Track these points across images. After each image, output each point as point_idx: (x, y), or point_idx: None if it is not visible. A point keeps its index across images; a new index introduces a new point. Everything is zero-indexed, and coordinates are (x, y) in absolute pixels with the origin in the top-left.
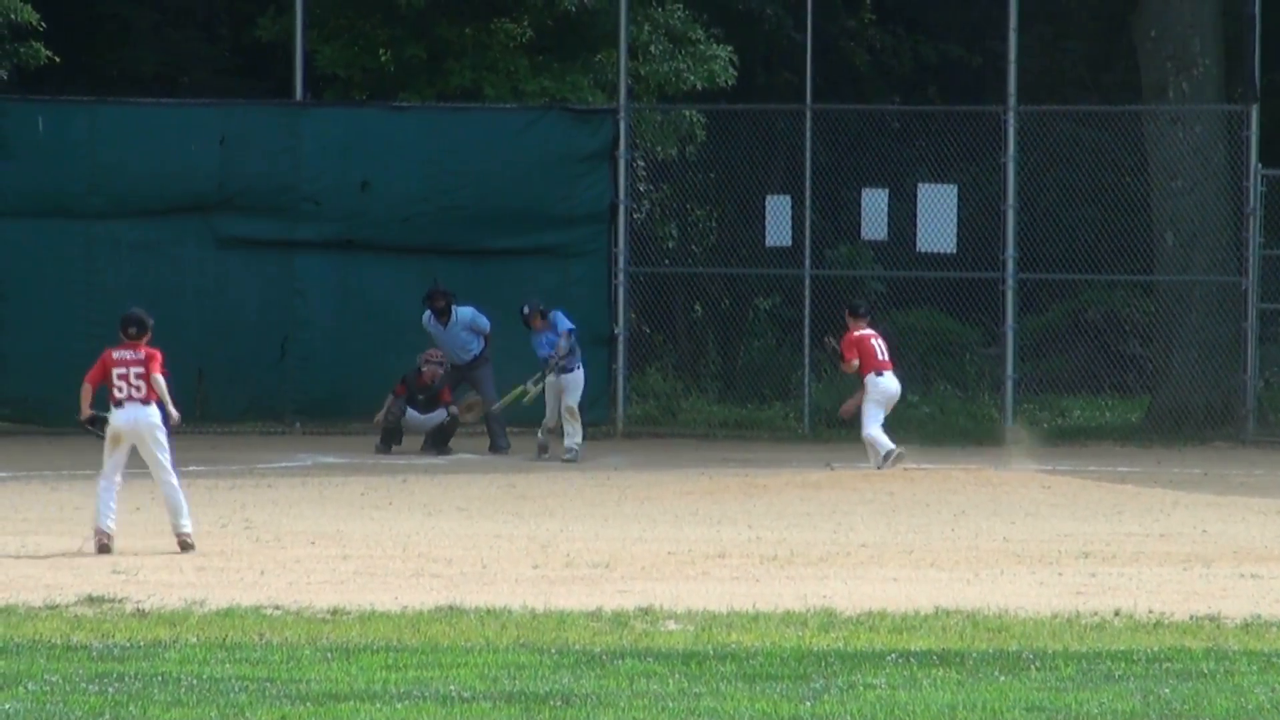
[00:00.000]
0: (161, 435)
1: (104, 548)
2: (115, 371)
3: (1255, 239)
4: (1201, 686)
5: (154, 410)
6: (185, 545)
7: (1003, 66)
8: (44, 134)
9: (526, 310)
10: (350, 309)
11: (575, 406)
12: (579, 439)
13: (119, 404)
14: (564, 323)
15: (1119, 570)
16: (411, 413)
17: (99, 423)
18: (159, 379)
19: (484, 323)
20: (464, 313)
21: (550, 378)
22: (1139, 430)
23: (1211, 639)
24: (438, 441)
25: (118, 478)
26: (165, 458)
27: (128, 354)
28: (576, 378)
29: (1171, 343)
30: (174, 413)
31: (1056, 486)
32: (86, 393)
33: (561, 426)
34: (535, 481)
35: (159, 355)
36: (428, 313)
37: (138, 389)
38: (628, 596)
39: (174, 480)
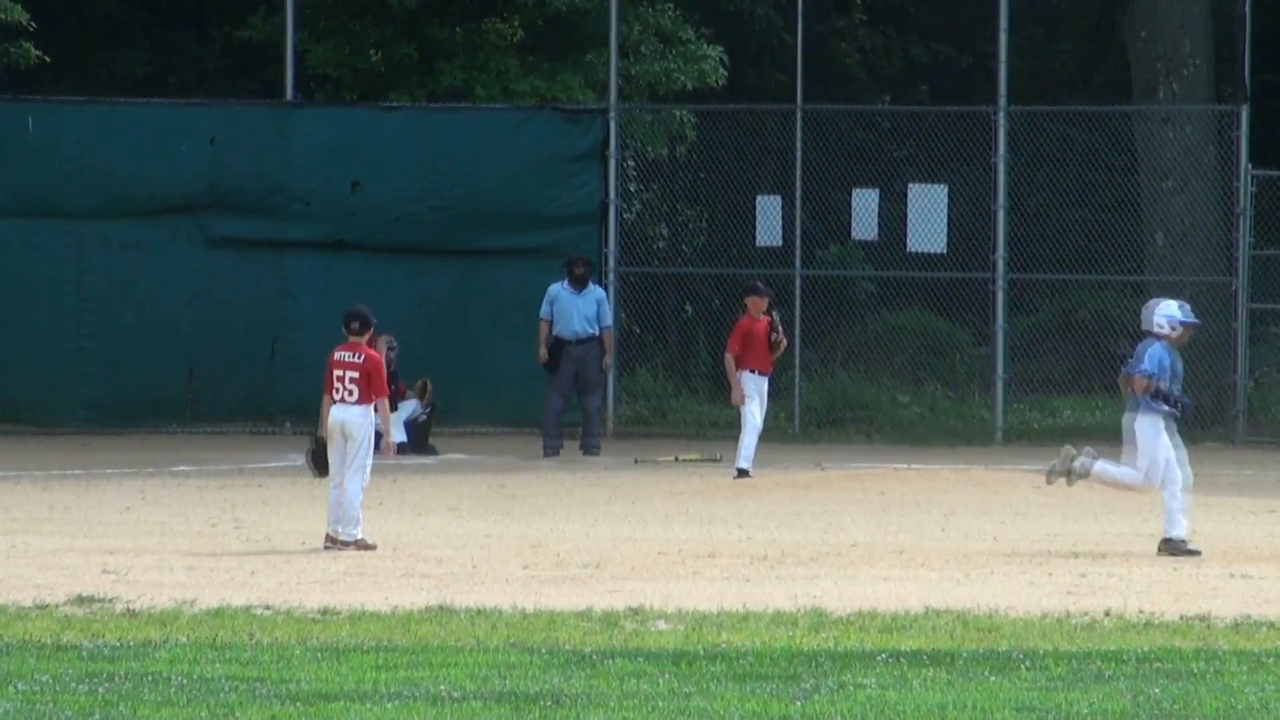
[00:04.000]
0: (363, 436)
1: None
2: (335, 373)
3: (1245, 239)
4: (1192, 686)
5: (369, 410)
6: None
7: (993, 67)
8: (33, 134)
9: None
10: (341, 309)
11: None
12: None
13: (335, 403)
14: None
15: (1109, 570)
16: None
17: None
18: (384, 403)
19: (609, 313)
20: (598, 289)
21: None
22: None
23: (1202, 639)
24: (417, 441)
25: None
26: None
27: (348, 355)
28: None
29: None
30: (386, 438)
31: (1046, 486)
32: (325, 404)
33: None
34: (525, 481)
35: (380, 362)
36: (561, 282)
37: (350, 392)
38: (618, 596)
39: (352, 486)
